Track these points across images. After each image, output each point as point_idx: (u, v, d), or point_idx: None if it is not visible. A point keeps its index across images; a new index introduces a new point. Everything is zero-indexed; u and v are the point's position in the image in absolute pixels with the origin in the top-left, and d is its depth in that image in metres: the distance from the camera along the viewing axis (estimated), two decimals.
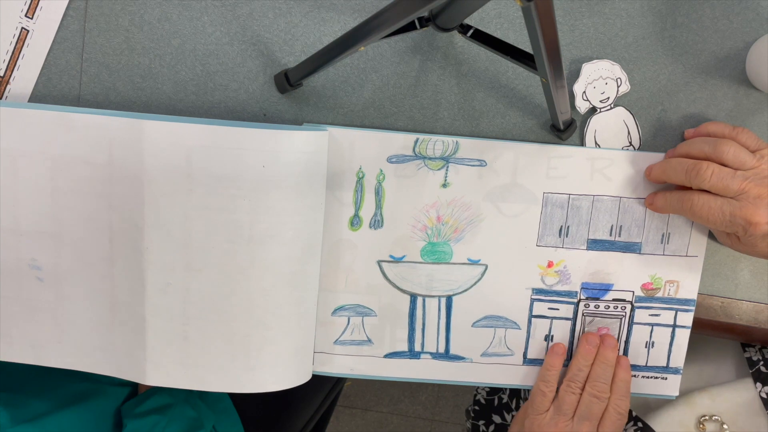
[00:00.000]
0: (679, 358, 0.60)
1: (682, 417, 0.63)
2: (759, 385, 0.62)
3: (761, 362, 0.63)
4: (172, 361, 0.55)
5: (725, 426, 0.62)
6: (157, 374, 0.55)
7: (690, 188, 0.53)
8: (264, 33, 0.56)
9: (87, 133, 0.52)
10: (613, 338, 0.59)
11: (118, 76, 0.56)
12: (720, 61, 0.56)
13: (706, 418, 0.62)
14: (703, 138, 0.53)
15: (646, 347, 0.60)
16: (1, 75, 0.55)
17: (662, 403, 0.65)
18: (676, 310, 0.59)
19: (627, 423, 0.65)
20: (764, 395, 0.61)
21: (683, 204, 0.52)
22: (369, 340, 0.59)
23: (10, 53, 0.55)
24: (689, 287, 0.59)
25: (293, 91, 0.56)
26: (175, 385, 0.55)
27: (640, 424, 0.64)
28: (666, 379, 0.60)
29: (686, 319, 0.59)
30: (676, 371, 0.60)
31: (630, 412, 0.65)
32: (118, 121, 0.51)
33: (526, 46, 0.53)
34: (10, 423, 0.59)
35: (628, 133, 0.57)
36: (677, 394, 0.61)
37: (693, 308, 0.59)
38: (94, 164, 0.53)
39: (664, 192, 0.55)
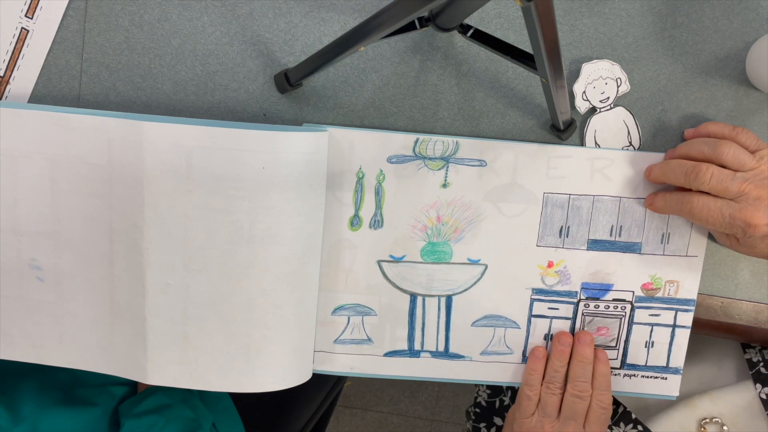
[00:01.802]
0: (679, 358, 0.60)
1: (682, 420, 0.63)
2: (759, 386, 0.62)
3: (761, 363, 0.63)
4: (173, 361, 0.55)
5: (725, 428, 0.62)
6: (157, 374, 0.55)
7: (690, 189, 0.53)
8: (264, 33, 0.56)
9: (86, 134, 0.52)
10: (588, 334, 0.59)
11: (118, 76, 0.56)
12: (720, 61, 0.56)
13: (707, 420, 0.62)
14: (703, 139, 0.53)
15: (645, 347, 0.60)
16: (1, 75, 0.55)
17: (663, 406, 0.65)
18: (676, 310, 0.59)
19: (627, 425, 0.65)
20: (764, 396, 0.61)
21: (683, 206, 0.52)
22: (369, 339, 0.59)
23: (10, 53, 0.55)
24: (689, 287, 0.59)
25: (293, 91, 0.56)
26: (175, 384, 0.56)
27: (640, 428, 0.64)
28: (666, 379, 0.60)
29: (686, 319, 0.59)
30: (676, 371, 0.60)
31: (629, 414, 0.65)
32: (117, 122, 0.51)
33: (526, 46, 0.53)
34: (12, 424, 0.59)
35: (628, 133, 0.57)
36: (677, 394, 0.61)
37: (693, 308, 0.59)
38: (93, 165, 0.53)
39: (664, 193, 0.55)
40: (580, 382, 0.57)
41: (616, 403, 0.67)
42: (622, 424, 0.65)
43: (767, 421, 0.60)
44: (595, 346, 0.60)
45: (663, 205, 0.55)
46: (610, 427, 0.66)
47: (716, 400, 0.63)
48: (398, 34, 0.46)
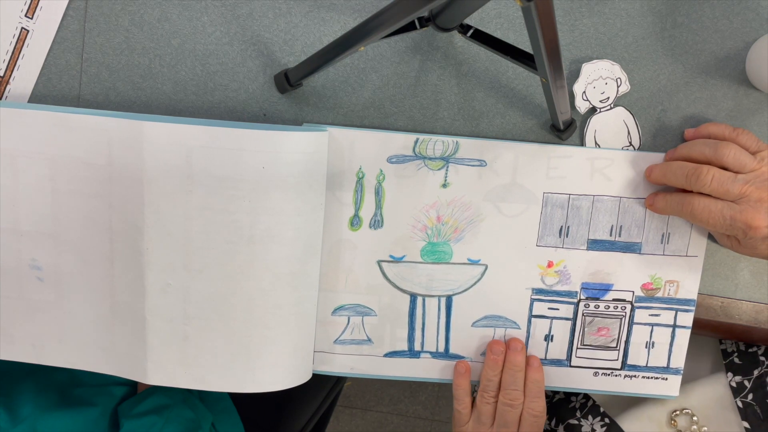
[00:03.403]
0: (679, 359, 0.60)
1: (653, 412, 0.63)
2: (730, 374, 0.62)
3: (735, 354, 0.64)
4: (173, 361, 0.55)
5: (695, 418, 0.62)
6: (158, 374, 0.55)
7: (691, 190, 0.53)
8: (264, 33, 0.56)
9: (86, 134, 0.52)
10: (520, 341, 0.59)
11: (118, 76, 0.56)
12: (720, 61, 0.56)
13: (677, 412, 0.62)
14: (704, 140, 0.53)
15: (646, 348, 0.60)
16: (1, 75, 0.55)
17: (634, 399, 0.65)
18: (676, 310, 0.59)
19: (594, 418, 0.65)
20: (734, 384, 0.61)
21: (683, 207, 0.52)
22: (369, 340, 0.59)
23: (10, 53, 0.55)
24: (689, 287, 0.58)
25: (293, 91, 0.56)
26: (175, 384, 0.56)
27: (606, 420, 0.64)
28: (666, 379, 0.60)
29: (686, 319, 0.59)
30: (676, 371, 0.60)
31: (597, 407, 0.65)
32: (117, 122, 0.51)
33: (526, 46, 0.53)
34: (10, 425, 0.59)
35: (628, 133, 0.57)
36: (677, 394, 0.61)
37: (693, 308, 0.59)
38: (93, 165, 0.53)
39: (665, 194, 0.55)
40: (510, 390, 0.57)
41: (586, 397, 0.68)
42: (590, 417, 0.65)
43: (736, 411, 0.61)
44: (596, 346, 0.60)
45: (664, 205, 0.55)
46: (578, 420, 0.66)
47: (689, 392, 0.63)
48: (398, 34, 0.46)
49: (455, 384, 0.60)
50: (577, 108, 0.56)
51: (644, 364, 0.60)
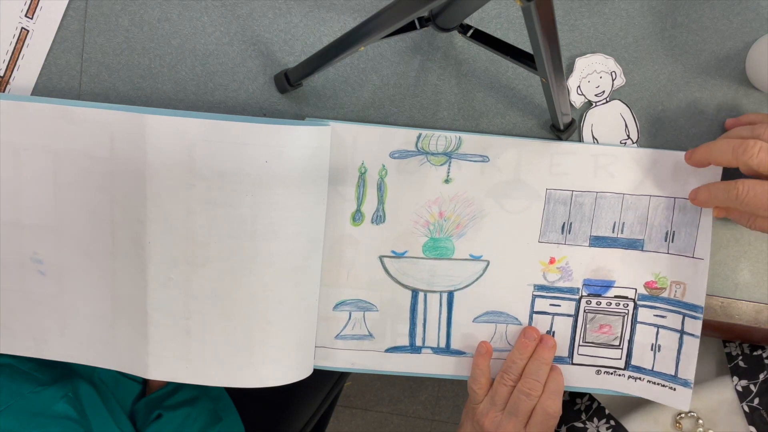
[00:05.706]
0: (688, 369, 0.57)
1: (658, 414, 0.63)
2: (736, 378, 0.62)
3: (740, 357, 0.64)
4: (174, 356, 0.55)
5: (701, 421, 0.62)
6: (159, 368, 0.55)
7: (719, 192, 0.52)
8: (264, 33, 0.56)
9: (88, 127, 0.52)
10: (552, 339, 0.59)
11: (118, 76, 0.56)
12: (720, 61, 0.57)
13: (683, 415, 0.62)
14: (744, 126, 0.52)
15: (652, 350, 0.59)
16: (1, 75, 0.55)
17: (639, 401, 0.65)
18: (684, 315, 0.58)
19: (600, 421, 0.64)
20: (740, 388, 0.61)
21: (729, 192, 0.51)
22: (370, 335, 0.59)
23: (10, 53, 0.55)
24: (696, 291, 0.57)
25: (293, 91, 0.56)
26: (176, 379, 0.55)
27: (612, 422, 0.64)
28: (675, 390, 0.58)
29: (695, 327, 0.57)
30: (685, 383, 0.58)
31: (603, 409, 0.65)
32: (119, 115, 0.51)
33: (526, 46, 0.53)
34: (81, 416, 0.60)
35: (626, 126, 0.57)
36: (687, 408, 0.58)
37: (701, 315, 0.57)
38: (95, 158, 0.53)
39: (707, 184, 0.54)
40: (531, 380, 0.57)
41: (591, 399, 0.67)
42: (595, 419, 0.65)
43: (743, 415, 0.60)
44: (599, 344, 0.60)
45: (708, 196, 0.53)
46: (584, 422, 0.66)
47: (694, 395, 0.62)
48: (398, 34, 0.46)
49: (474, 363, 0.60)
50: (573, 102, 0.56)
51: (650, 368, 0.59)
